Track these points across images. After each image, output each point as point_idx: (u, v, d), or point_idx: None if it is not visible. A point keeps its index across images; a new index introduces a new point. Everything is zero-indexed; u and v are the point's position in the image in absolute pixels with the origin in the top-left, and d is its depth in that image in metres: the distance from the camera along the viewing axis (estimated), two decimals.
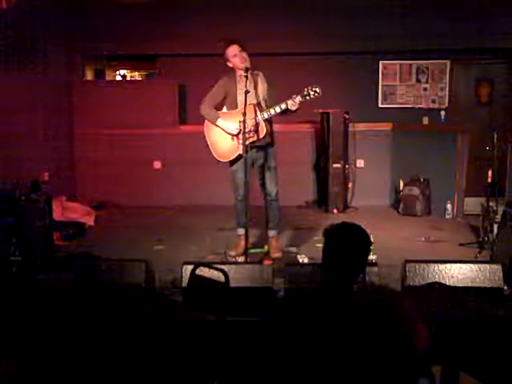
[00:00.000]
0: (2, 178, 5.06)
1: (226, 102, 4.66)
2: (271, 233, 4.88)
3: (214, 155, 4.69)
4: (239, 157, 4.56)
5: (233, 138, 4.59)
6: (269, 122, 4.59)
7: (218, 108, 4.70)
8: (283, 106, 4.37)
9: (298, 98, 4.30)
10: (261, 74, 4.63)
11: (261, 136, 4.46)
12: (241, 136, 4.43)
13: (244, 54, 4.51)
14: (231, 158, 4.64)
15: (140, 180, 7.35)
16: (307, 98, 4.29)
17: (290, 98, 4.33)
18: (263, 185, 4.75)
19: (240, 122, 4.37)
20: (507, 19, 6.81)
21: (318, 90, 4.27)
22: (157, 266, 3.91)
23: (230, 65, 4.59)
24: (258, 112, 4.44)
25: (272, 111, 4.42)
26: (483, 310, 2.79)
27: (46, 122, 6.63)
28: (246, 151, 4.28)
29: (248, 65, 4.47)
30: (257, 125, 4.43)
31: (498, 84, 7.47)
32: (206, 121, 4.70)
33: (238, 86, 4.54)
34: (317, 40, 7.12)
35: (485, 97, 7.56)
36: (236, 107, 4.55)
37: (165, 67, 7.75)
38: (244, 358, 2.42)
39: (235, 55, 4.51)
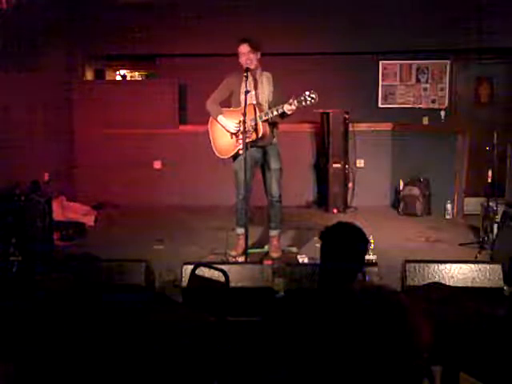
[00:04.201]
0: (2, 178, 5.06)
1: (231, 99, 4.70)
2: (272, 232, 4.89)
3: (214, 151, 4.76)
4: (237, 154, 4.60)
5: (231, 136, 4.63)
6: (271, 123, 4.61)
7: (226, 104, 4.74)
8: (280, 110, 4.40)
9: (295, 103, 4.32)
10: (269, 75, 4.66)
11: (259, 136, 4.49)
12: (239, 135, 4.49)
13: (251, 56, 4.51)
14: (229, 156, 4.70)
15: (140, 180, 7.35)
16: (303, 103, 4.31)
17: (286, 102, 4.35)
18: (265, 185, 4.78)
19: (240, 121, 4.41)
20: (507, 19, 6.81)
21: (314, 96, 4.28)
22: (157, 266, 3.92)
23: (240, 61, 4.60)
24: (258, 112, 4.46)
25: (269, 114, 4.46)
26: (483, 310, 2.79)
27: (46, 122, 6.63)
28: (246, 149, 4.30)
29: (252, 67, 4.49)
30: (255, 125, 4.46)
31: (497, 84, 7.47)
32: (211, 117, 4.77)
33: (242, 84, 4.54)
34: (317, 40, 7.13)
35: (485, 97, 7.56)
36: (239, 106, 4.59)
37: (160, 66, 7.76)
38: (244, 358, 2.42)
39: (242, 54, 4.53)
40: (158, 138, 7.39)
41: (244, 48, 4.53)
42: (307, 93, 4.29)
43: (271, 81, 4.66)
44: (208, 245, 5.22)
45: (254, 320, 2.38)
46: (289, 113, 4.41)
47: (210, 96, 4.74)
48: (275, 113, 4.44)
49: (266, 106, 4.60)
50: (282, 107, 4.38)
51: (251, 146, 4.50)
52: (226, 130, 4.66)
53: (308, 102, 4.29)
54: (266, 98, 4.62)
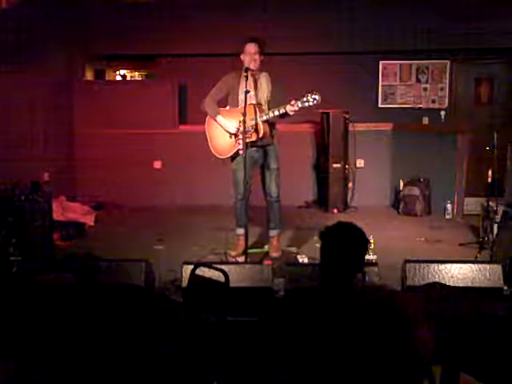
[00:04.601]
0: (2, 178, 5.06)
1: (228, 99, 4.68)
2: (272, 232, 4.89)
3: (212, 151, 4.74)
4: (236, 154, 4.59)
5: (231, 136, 4.62)
6: (270, 123, 4.60)
7: (222, 104, 4.73)
8: (282, 110, 4.37)
9: (298, 104, 4.28)
10: (266, 75, 4.64)
11: (260, 135, 4.48)
12: (239, 135, 4.50)
13: (256, 57, 4.50)
14: (228, 156, 4.68)
15: (140, 180, 7.35)
16: (306, 104, 4.27)
17: (289, 102, 4.32)
18: (264, 185, 4.77)
19: (240, 121, 4.40)
20: (507, 19, 6.81)
21: (317, 97, 4.24)
22: (157, 266, 3.92)
23: (242, 58, 4.57)
24: (258, 112, 4.44)
25: (270, 114, 4.44)
26: (483, 310, 2.79)
27: (46, 122, 6.63)
28: (246, 149, 4.29)
29: (255, 68, 4.49)
30: (256, 125, 4.45)
31: (498, 84, 7.47)
32: (207, 116, 4.74)
33: (241, 84, 4.53)
34: (317, 40, 7.12)
35: (485, 97, 7.56)
36: (237, 105, 4.58)
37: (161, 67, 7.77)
38: (244, 358, 2.42)
39: (248, 53, 4.51)
40: (158, 138, 7.39)
41: (252, 48, 4.51)
42: (309, 93, 4.25)
43: (269, 80, 4.64)
44: (208, 245, 5.22)
45: (253, 320, 2.38)
46: (291, 113, 4.38)
47: (207, 95, 4.70)
48: (276, 113, 4.41)
49: (265, 106, 4.59)
50: (284, 108, 4.34)
51: (251, 146, 4.49)
52: (224, 130, 4.65)
53: (311, 103, 4.26)
54: (265, 97, 4.61)
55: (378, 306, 1.89)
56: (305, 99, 4.26)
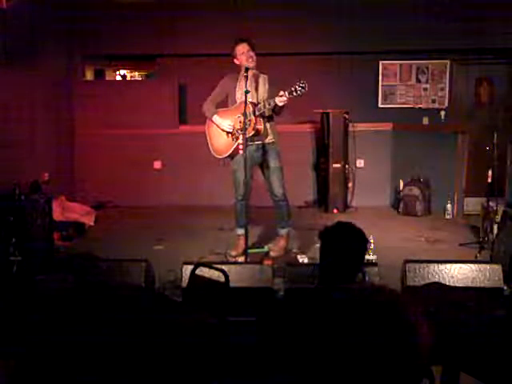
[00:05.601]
0: (2, 178, 5.06)
1: (228, 100, 4.74)
2: (281, 231, 4.91)
3: (212, 151, 4.81)
4: (234, 153, 4.63)
5: (227, 135, 4.66)
6: (268, 121, 4.62)
7: (223, 106, 4.78)
8: (272, 103, 4.43)
9: (286, 94, 4.33)
10: (265, 77, 4.71)
11: (253, 128, 4.49)
12: (235, 133, 4.59)
13: (252, 54, 4.57)
14: (226, 155, 4.73)
15: (140, 180, 7.35)
16: (294, 94, 4.32)
17: (277, 94, 4.38)
18: (268, 185, 4.79)
19: (235, 119, 4.46)
20: (507, 19, 6.81)
21: (304, 85, 4.29)
22: (157, 266, 3.91)
23: (236, 62, 4.65)
24: (251, 109, 4.49)
25: (262, 108, 4.49)
26: (483, 310, 2.79)
27: (45, 122, 6.63)
28: (246, 146, 4.31)
29: (253, 65, 4.54)
30: (249, 120, 4.47)
31: (498, 84, 7.47)
32: (207, 119, 4.81)
33: (238, 84, 4.62)
34: (317, 40, 7.13)
35: (485, 97, 7.55)
36: (234, 105, 4.62)
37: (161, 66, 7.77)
38: (244, 358, 2.42)
39: (243, 53, 4.56)
40: (158, 138, 7.39)
41: (244, 47, 4.58)
42: (296, 83, 4.31)
43: (267, 82, 4.71)
44: (208, 245, 5.22)
45: (254, 320, 2.38)
46: (280, 104, 4.42)
47: (207, 99, 4.78)
48: (267, 106, 4.47)
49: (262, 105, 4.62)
50: (274, 100, 4.41)
51: (250, 141, 4.51)
52: (221, 130, 4.70)
53: (299, 92, 4.31)
54: (263, 97, 4.64)
55: (377, 306, 1.89)
56: (292, 88, 4.32)
